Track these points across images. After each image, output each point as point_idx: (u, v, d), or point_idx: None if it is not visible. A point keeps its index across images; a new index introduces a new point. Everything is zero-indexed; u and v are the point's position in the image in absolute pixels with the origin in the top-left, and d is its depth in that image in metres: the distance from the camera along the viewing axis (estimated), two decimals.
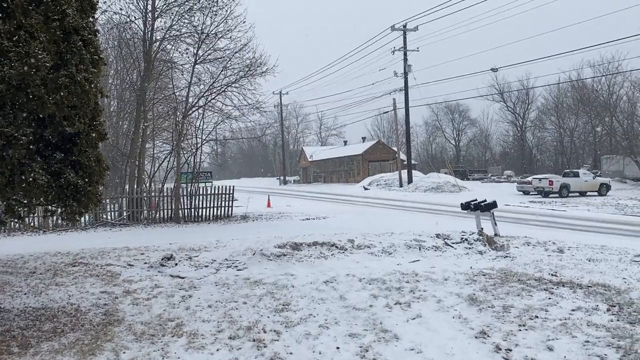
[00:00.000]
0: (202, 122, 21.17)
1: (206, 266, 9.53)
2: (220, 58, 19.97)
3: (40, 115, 5.43)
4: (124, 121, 25.22)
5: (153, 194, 19.78)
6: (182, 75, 21.27)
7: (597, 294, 6.90)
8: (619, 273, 8.20)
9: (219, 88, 20.39)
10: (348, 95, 69.85)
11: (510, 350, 4.96)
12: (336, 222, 17.79)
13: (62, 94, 5.25)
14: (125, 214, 18.58)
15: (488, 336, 5.37)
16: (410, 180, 39.02)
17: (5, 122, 4.92)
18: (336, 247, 10.39)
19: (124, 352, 5.11)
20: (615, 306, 6.28)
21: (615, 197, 28.48)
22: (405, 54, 38.63)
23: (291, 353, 5.06)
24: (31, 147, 5.20)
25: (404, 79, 38.68)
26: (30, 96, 5.06)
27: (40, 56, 4.89)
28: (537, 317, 5.95)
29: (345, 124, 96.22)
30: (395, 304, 6.71)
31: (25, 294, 7.66)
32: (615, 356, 4.71)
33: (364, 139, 69.76)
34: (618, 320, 5.75)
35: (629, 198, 27.46)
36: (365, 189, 41.77)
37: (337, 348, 5.16)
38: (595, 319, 5.81)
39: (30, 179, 5.09)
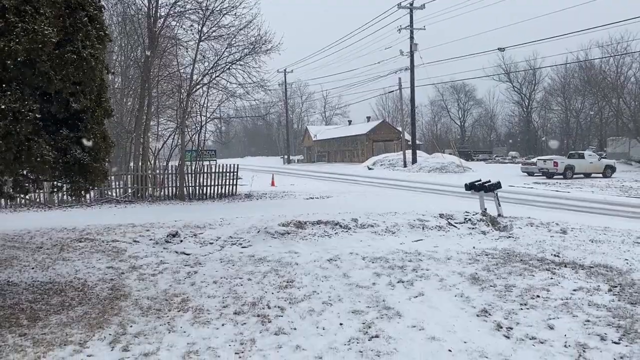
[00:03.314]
0: (206, 99, 21.15)
1: (211, 243, 9.61)
2: (225, 35, 19.83)
3: (47, 92, 5.44)
4: (128, 98, 25.20)
5: (158, 171, 19.84)
6: (187, 52, 21.16)
7: (599, 274, 6.94)
8: (621, 254, 8.24)
9: (223, 65, 20.29)
10: (353, 74, 69.23)
11: (512, 328, 5.03)
12: (340, 201, 17.84)
13: (68, 70, 5.25)
14: (130, 191, 18.67)
15: (489, 314, 5.43)
16: (414, 161, 38.95)
17: (12, 98, 4.94)
18: (340, 225, 10.45)
19: (131, 326, 5.20)
20: (616, 287, 6.32)
21: (620, 179, 28.41)
22: (411, 33, 38.22)
23: (295, 328, 5.14)
24: (38, 123, 5.21)
25: (409, 58, 38.36)
26: (37, 72, 5.07)
27: (46, 32, 4.88)
28: (538, 296, 6.01)
29: (349, 104, 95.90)
30: (398, 282, 6.77)
31: (32, 268, 7.77)
32: (615, 335, 4.76)
33: (368, 118, 69.44)
34: (619, 300, 5.80)
35: (634, 180, 27.38)
36: (369, 168, 41.76)
37: (341, 324, 5.24)
38: (597, 299, 5.86)
39: (38, 155, 5.13)
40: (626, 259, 7.84)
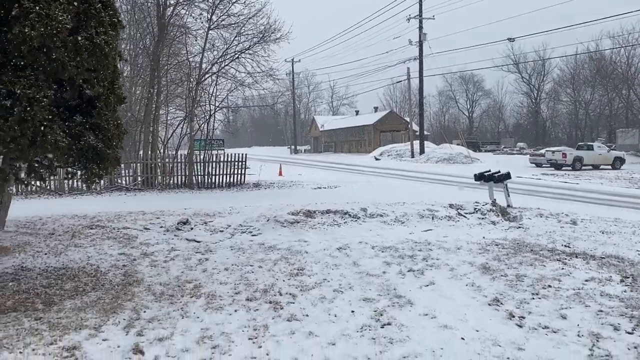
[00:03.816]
0: (215, 88, 21.14)
1: (221, 231, 9.65)
2: (234, 24, 19.79)
3: (60, 78, 5.45)
4: (137, 87, 25.20)
5: (167, 160, 19.91)
6: (196, 40, 21.14)
7: (611, 265, 6.92)
8: (632, 245, 8.20)
9: (232, 54, 20.27)
10: (361, 63, 69.28)
11: (524, 317, 5.03)
12: (348, 191, 17.85)
13: (82, 56, 5.25)
14: (139, 179, 18.77)
15: (501, 304, 5.44)
16: (422, 151, 38.83)
17: (26, 84, 4.95)
18: (349, 215, 10.45)
19: (145, 311, 5.25)
20: (628, 277, 6.30)
21: (630, 170, 28.21)
22: (420, 22, 37.94)
23: (307, 315, 5.16)
24: (52, 109, 5.23)
25: (418, 48, 38.12)
26: (51, 58, 5.08)
27: (60, 18, 4.89)
28: (550, 286, 6.00)
29: (357, 94, 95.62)
30: (409, 271, 6.78)
31: (45, 254, 7.84)
32: (628, 325, 4.76)
33: (376, 108, 69.19)
34: (632, 291, 5.78)
35: None
36: (377, 159, 41.68)
37: (352, 312, 5.26)
38: (609, 289, 5.84)
39: (52, 141, 5.15)
40: (638, 250, 7.81)
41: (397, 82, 53.03)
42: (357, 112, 72.84)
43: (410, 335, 4.60)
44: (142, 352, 4.28)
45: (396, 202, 12.41)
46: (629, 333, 4.60)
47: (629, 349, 4.28)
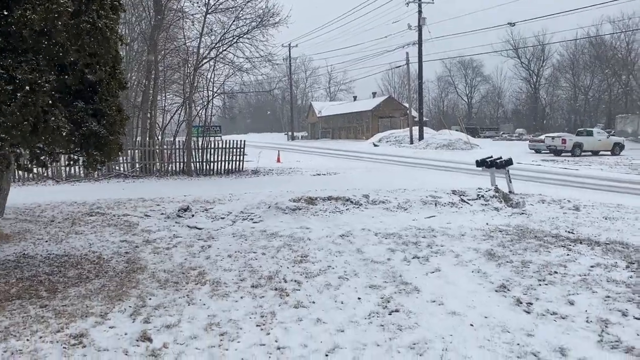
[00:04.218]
0: (213, 74, 20.95)
1: (222, 218, 9.61)
2: (232, 7, 19.56)
3: (62, 63, 5.35)
4: (133, 72, 24.96)
5: (165, 146, 19.79)
6: (193, 25, 20.89)
7: (616, 251, 6.91)
8: (636, 231, 8.19)
9: (230, 39, 20.07)
10: (359, 48, 68.74)
11: (531, 304, 5.01)
12: (347, 178, 17.81)
13: (83, 40, 5.15)
14: (137, 166, 18.66)
15: (508, 290, 5.42)
16: (421, 137, 38.73)
17: (28, 69, 4.86)
18: (351, 202, 10.41)
19: (150, 299, 5.21)
20: (634, 263, 6.29)
21: (629, 156, 28.21)
22: (419, 6, 37.61)
23: (314, 302, 5.14)
24: (54, 94, 5.14)
25: (417, 32, 37.83)
26: (53, 42, 4.98)
27: (62, 0, 4.77)
28: (556, 272, 5.98)
29: (355, 79, 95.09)
30: (413, 257, 6.76)
31: (46, 241, 7.78)
32: (636, 311, 4.74)
33: (374, 94, 68.82)
34: (637, 277, 5.76)
35: None
36: (375, 145, 41.57)
37: (359, 299, 5.24)
38: (615, 275, 5.83)
39: (54, 127, 5.07)
40: None
41: (396, 68, 52.78)
42: (355, 98, 72.46)
43: (418, 322, 4.58)
44: (150, 340, 4.25)
45: (397, 188, 12.37)
46: (637, 319, 4.59)
47: (638, 334, 4.27)
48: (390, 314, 4.79)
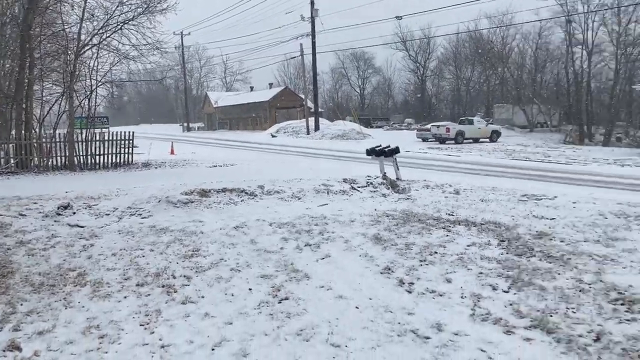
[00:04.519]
0: (96, 62, 19.63)
1: (107, 214, 9.09)
2: None
3: None
4: (6, 59, 22.71)
5: (44, 139, 18.29)
6: (73, 9, 19.39)
7: (489, 230, 7.49)
8: (507, 211, 8.94)
9: (114, 25, 18.89)
10: (254, 38, 68.18)
11: (413, 283, 5.30)
12: (244, 169, 17.64)
13: None
14: (12, 161, 17.09)
15: (392, 272, 5.68)
16: (317, 128, 39.37)
17: None
18: (246, 193, 10.33)
19: (21, 304, 4.80)
20: (504, 241, 6.86)
21: (505, 143, 30.78)
22: None
23: (203, 296, 5.03)
24: None
25: (311, 24, 38.22)
26: None
27: None
28: (436, 252, 6.37)
29: (251, 69, 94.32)
30: (305, 245, 6.85)
31: None
32: (505, 285, 5.18)
33: (270, 85, 68.71)
34: (507, 253, 6.30)
35: (517, 144, 29.81)
36: (273, 136, 41.61)
37: (250, 289, 5.22)
38: (488, 252, 6.32)
39: None
40: (512, 216, 8.52)
41: (291, 59, 53.01)
42: (251, 88, 71.87)
43: (307, 308, 4.66)
44: (19, 349, 3.92)
45: (293, 178, 12.46)
46: (505, 292, 5.02)
47: (505, 306, 4.66)
48: (280, 302, 4.82)
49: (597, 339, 3.91)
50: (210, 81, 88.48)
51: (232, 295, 5.09)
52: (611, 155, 24.02)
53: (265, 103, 59.54)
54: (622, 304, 4.55)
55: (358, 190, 10.76)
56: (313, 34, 38.48)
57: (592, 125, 38.23)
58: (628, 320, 4.24)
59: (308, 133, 39.83)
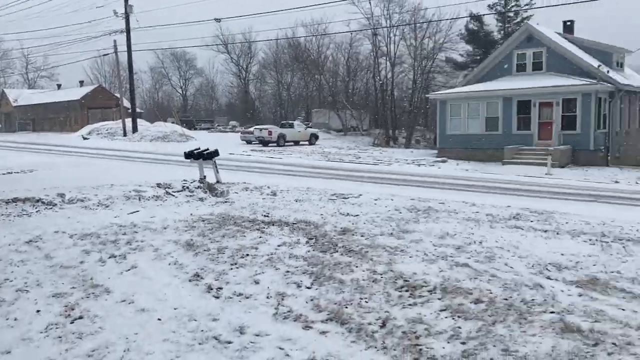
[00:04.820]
0: None
1: None
2: None
3: None
4: None
5: None
6: None
7: (300, 229, 7.81)
8: (318, 210, 9.43)
9: None
10: (61, 31, 61.51)
11: (221, 288, 5.27)
12: (47, 175, 15.85)
13: None
14: None
15: (202, 278, 5.58)
16: (135, 130, 37.20)
17: None
18: (42, 202, 9.30)
19: None
20: (312, 239, 7.21)
21: (322, 145, 32.55)
22: None
23: None
24: None
25: (125, 20, 35.98)
26: None
27: None
28: (248, 255, 6.43)
29: (58, 65, 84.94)
30: (110, 257, 6.40)
31: None
32: (308, 281, 5.44)
33: (81, 82, 63.08)
34: (314, 250, 6.62)
35: (332, 146, 31.74)
36: (85, 138, 38.30)
37: (38, 311, 4.68)
38: (297, 251, 6.57)
39: None
40: (322, 214, 9.01)
41: (104, 55, 49.45)
42: (59, 86, 65.19)
43: (103, 326, 4.34)
44: None
45: (102, 184, 11.56)
46: (308, 288, 5.26)
47: (306, 302, 4.89)
48: (72, 323, 4.41)
49: (383, 325, 4.31)
50: (9, 77, 78.04)
51: (15, 320, 4.51)
52: (410, 156, 26.95)
53: (76, 102, 54.48)
54: (406, 290, 5.08)
55: (173, 195, 10.40)
56: (128, 30, 36.25)
57: (396, 129, 42.41)
58: (410, 305, 4.75)
59: (125, 135, 37.40)
